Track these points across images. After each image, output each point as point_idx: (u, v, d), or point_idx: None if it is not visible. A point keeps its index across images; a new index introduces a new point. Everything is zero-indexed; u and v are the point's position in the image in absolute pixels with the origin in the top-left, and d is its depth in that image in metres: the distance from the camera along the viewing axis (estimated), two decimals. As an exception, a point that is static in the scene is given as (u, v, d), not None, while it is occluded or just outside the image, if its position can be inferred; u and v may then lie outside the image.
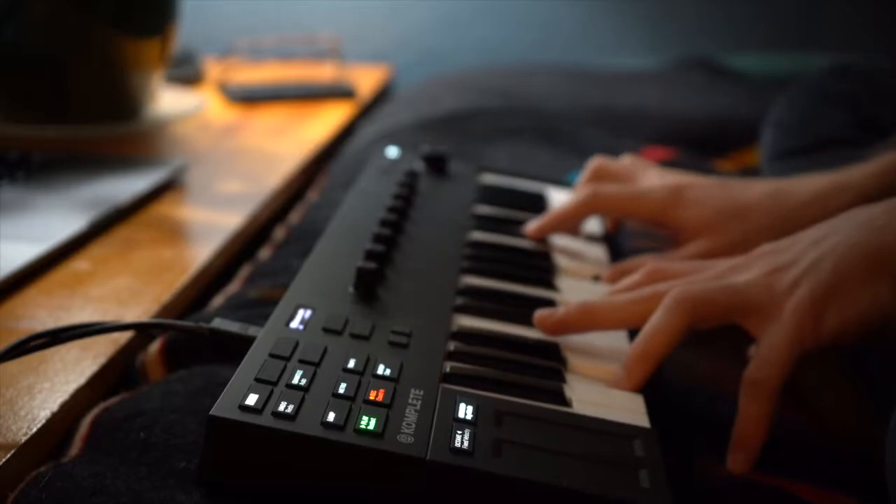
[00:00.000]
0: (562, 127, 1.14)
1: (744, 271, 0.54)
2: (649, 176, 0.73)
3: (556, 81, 1.37)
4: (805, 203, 0.67)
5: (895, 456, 0.44)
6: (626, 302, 0.54)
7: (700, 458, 0.51)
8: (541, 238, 0.72)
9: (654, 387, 0.52)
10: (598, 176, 0.75)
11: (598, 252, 0.72)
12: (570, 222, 0.72)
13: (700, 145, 1.13)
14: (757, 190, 0.70)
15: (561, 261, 0.69)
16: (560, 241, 0.72)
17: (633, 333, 0.55)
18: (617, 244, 0.76)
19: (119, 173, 0.89)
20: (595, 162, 0.76)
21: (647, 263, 0.60)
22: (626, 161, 0.77)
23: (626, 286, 0.58)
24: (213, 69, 1.44)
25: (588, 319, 0.55)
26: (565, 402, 0.48)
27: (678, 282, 0.54)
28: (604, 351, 0.55)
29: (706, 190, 0.70)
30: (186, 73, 1.37)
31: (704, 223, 0.68)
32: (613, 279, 0.64)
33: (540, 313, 0.55)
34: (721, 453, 0.51)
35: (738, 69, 1.47)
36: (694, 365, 0.60)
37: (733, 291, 0.52)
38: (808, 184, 0.69)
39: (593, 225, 0.76)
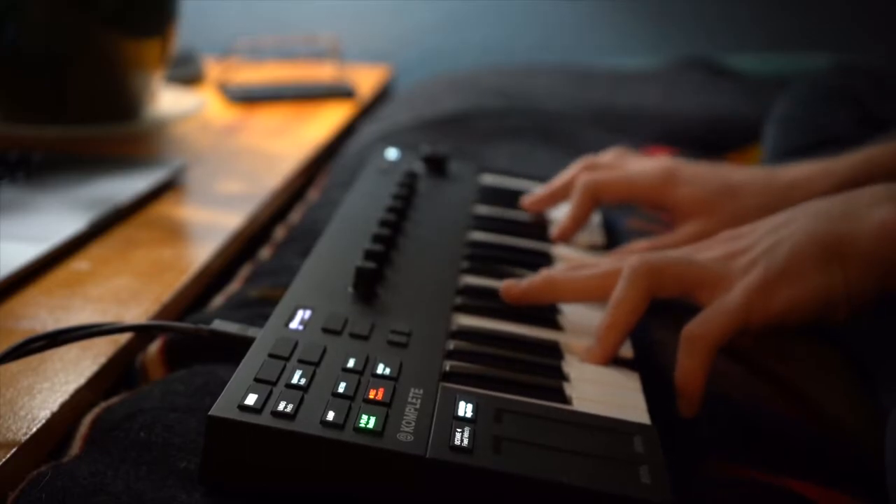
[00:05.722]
0: (562, 127, 1.14)
1: (704, 251, 0.57)
2: (638, 161, 0.75)
3: (556, 81, 1.37)
4: (793, 184, 0.69)
5: (894, 453, 0.44)
6: (588, 276, 0.57)
7: (700, 455, 0.51)
8: (538, 210, 0.73)
9: (655, 384, 0.52)
10: (588, 169, 0.75)
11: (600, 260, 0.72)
12: (577, 208, 0.72)
13: (700, 145, 1.13)
14: (747, 172, 0.72)
15: (561, 261, 0.69)
16: (562, 250, 0.71)
17: (635, 336, 0.55)
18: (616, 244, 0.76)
19: (119, 173, 0.89)
20: (582, 160, 0.77)
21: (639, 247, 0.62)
22: (610, 153, 0.78)
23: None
24: (213, 69, 1.44)
25: (550, 290, 0.57)
26: (566, 399, 0.48)
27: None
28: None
29: (698, 170, 0.72)
30: (186, 73, 1.36)
31: (699, 201, 0.70)
32: None
33: (505, 283, 0.58)
34: (722, 451, 0.51)
35: (738, 69, 1.47)
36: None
37: (689, 263, 0.55)
38: (796, 167, 0.71)
39: (595, 234, 0.75)
